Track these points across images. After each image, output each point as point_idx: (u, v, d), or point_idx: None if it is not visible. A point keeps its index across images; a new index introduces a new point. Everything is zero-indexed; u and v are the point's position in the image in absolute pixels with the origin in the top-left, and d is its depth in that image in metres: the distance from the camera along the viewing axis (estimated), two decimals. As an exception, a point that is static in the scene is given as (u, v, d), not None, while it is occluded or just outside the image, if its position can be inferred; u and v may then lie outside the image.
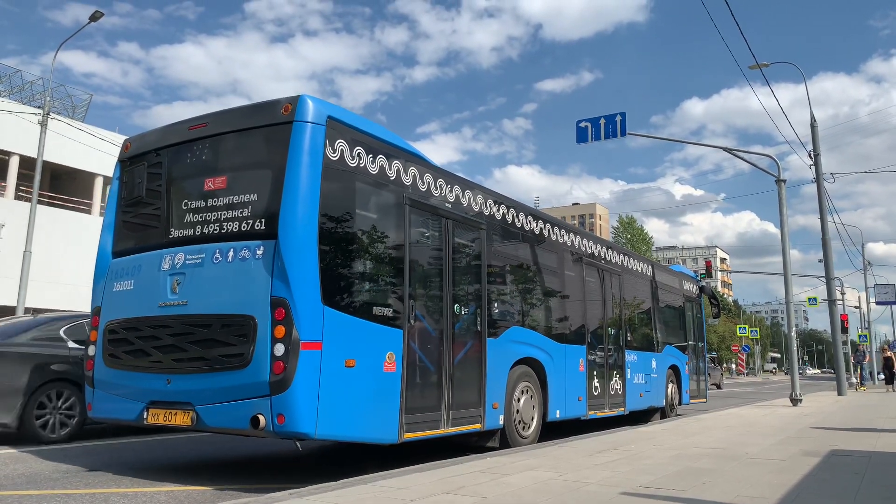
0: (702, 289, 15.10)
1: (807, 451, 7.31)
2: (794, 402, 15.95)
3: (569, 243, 9.18)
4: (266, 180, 5.26)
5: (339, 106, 5.60)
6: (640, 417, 11.61)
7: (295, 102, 5.28)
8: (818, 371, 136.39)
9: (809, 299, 37.83)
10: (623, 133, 16.42)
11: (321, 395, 4.88)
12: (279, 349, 4.82)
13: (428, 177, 6.44)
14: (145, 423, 5.50)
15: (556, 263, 8.85)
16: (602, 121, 16.68)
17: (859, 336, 52.70)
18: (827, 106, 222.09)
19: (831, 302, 23.83)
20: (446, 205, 6.65)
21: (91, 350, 6.08)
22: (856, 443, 8.13)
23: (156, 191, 6.00)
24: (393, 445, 5.65)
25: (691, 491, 5.07)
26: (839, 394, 22.03)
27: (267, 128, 5.36)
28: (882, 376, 33.42)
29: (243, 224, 5.27)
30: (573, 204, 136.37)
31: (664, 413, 12.28)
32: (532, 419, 7.61)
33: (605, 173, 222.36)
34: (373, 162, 5.75)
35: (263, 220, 5.18)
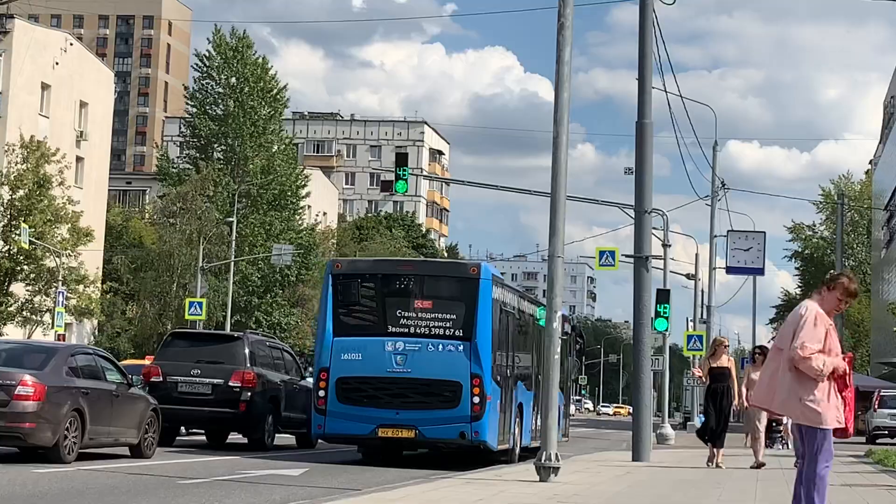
0: (573, 328, 34.50)
1: None
2: (543, 471, 17.26)
3: (529, 313, 27.45)
4: (461, 307, 22.03)
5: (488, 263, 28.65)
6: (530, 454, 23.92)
7: (479, 267, 22.69)
8: (617, 407, 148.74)
9: (602, 253, 37.46)
10: None
11: (490, 422, 21.55)
12: (476, 399, 21.13)
13: (512, 295, 25.34)
14: (377, 436, 21.37)
15: (531, 330, 27.26)
16: None
17: (687, 337, 51.55)
18: None
19: (639, 260, 24.87)
20: (513, 308, 25.04)
21: (321, 392, 21.60)
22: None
23: (371, 299, 23.01)
24: (482, 452, 22.28)
25: None
26: (635, 457, 23.78)
27: (462, 279, 22.60)
28: (699, 417, 33.96)
29: (447, 331, 21.70)
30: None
31: None
32: (519, 444, 24.59)
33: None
34: (502, 293, 23.41)
35: (461, 330, 21.64)
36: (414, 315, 21.82)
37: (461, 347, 21.40)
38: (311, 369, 28.43)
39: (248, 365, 24.56)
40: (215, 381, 24.28)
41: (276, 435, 25.72)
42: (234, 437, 26.65)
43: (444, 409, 21.18)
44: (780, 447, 33.79)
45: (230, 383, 24.12)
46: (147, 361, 40.87)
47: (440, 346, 21.43)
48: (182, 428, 26.52)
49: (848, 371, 9.90)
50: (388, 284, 22.68)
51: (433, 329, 21.64)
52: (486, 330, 21.57)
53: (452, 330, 21.66)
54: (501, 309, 22.81)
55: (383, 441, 21.85)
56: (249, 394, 24.14)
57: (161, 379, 24.39)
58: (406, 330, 21.67)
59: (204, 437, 27.33)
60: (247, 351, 24.95)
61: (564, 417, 32.20)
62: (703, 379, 23.93)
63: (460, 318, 21.78)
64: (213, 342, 27.32)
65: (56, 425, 17.70)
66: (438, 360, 21.35)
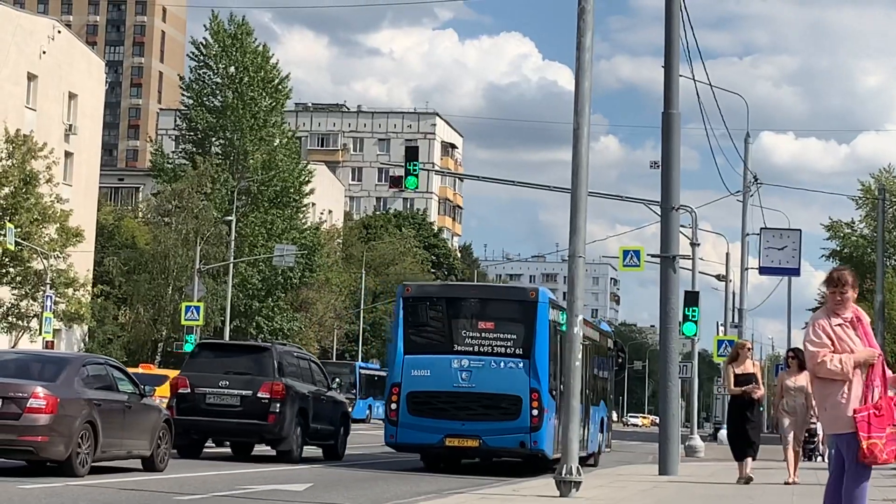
0: (615, 343, 39.34)
1: None
2: (563, 485, 17.19)
3: (589, 335, 30.67)
4: (521, 328, 26.45)
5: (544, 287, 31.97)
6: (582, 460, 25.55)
7: (537, 291, 27.55)
8: (643, 417, 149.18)
9: (626, 253, 38.03)
10: None
11: (548, 433, 25.66)
12: (534, 412, 25.40)
13: (559, 313, 27.55)
14: (444, 445, 25.75)
15: (587, 352, 30.25)
16: None
17: (717, 342, 52.93)
18: None
19: (666, 260, 24.83)
20: (560, 325, 26.73)
21: (393, 405, 25.88)
22: None
23: (438, 320, 27.53)
24: (544, 460, 26.51)
25: None
26: (662, 471, 24.41)
27: (521, 302, 27.24)
28: (721, 429, 33.25)
29: (508, 349, 26.03)
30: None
31: (596, 459, 33.56)
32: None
33: None
34: (556, 314, 27.31)
35: (521, 349, 25.92)
36: (478, 335, 25.90)
37: (521, 364, 25.31)
38: (338, 379, 34.53)
39: (277, 376, 25.91)
40: (244, 392, 25.71)
41: (304, 447, 27.02)
42: (260, 450, 27.63)
43: (506, 421, 25.03)
44: (815, 459, 33.70)
45: (259, 394, 25.57)
46: (141, 370, 41.11)
47: (502, 364, 25.42)
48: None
49: (884, 369, 9.87)
50: (453, 307, 26.84)
51: (495, 348, 25.68)
52: (543, 348, 25.44)
53: (513, 348, 25.62)
54: (556, 329, 26.38)
55: (449, 450, 25.80)
56: (278, 405, 25.49)
57: (189, 390, 25.88)
58: (471, 348, 25.67)
59: (230, 450, 28.60)
60: (275, 362, 26.30)
61: (608, 430, 38.33)
62: (741, 389, 21.81)
63: (520, 337, 25.79)
64: (241, 353, 28.62)
65: (69, 438, 18.14)
66: (500, 376, 25.29)
